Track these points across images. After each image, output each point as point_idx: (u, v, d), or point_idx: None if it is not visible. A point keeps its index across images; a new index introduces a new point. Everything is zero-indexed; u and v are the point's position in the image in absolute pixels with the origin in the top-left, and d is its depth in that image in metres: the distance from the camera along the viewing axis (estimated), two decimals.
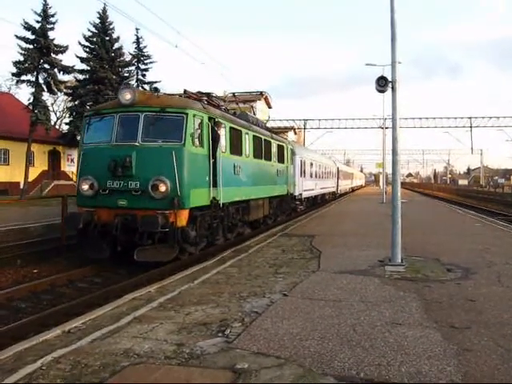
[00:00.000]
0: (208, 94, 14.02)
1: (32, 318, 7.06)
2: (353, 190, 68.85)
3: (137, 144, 10.60)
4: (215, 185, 11.99)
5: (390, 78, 9.61)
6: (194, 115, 11.09)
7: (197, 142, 11.13)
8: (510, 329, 5.49)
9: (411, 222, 16.81)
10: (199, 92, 13.92)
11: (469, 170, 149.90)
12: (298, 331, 5.44)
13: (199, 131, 11.29)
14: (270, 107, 66.36)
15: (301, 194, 25.24)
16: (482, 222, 19.67)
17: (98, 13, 40.16)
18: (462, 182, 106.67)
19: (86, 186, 10.82)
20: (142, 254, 10.21)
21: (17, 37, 35.55)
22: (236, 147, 14.01)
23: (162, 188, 10.26)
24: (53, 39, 36.65)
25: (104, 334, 5.36)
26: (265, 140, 17.56)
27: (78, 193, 11.11)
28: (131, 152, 10.45)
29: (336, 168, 45.52)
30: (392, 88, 9.63)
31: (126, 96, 10.90)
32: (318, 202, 33.22)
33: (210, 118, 11.82)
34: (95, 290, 9.40)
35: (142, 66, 43.68)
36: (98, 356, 4.68)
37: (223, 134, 12.70)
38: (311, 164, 29.62)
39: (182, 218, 10.48)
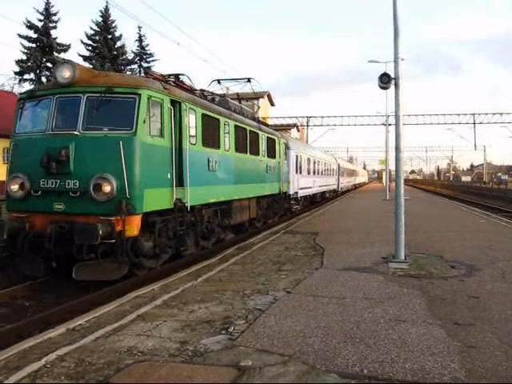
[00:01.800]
0: (177, 76, 12.03)
1: (36, 317, 7.08)
2: (355, 187, 67.74)
3: (76, 133, 8.60)
4: (182, 184, 10.05)
5: (392, 75, 9.59)
6: (150, 97, 9.01)
7: (154, 130, 9.15)
8: None
9: (415, 219, 16.79)
10: (172, 75, 11.98)
11: (472, 166, 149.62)
12: (302, 328, 5.44)
13: (158, 117, 9.30)
14: (272, 105, 66.35)
15: (296, 193, 23.19)
16: (486, 218, 19.62)
17: (101, 11, 40.26)
18: (465, 178, 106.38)
19: (15, 186, 8.89)
20: (82, 271, 8.38)
21: (19, 35, 35.69)
22: (211, 139, 11.83)
23: (107, 188, 8.30)
24: (55, 38, 36.77)
25: (108, 332, 5.38)
26: (251, 131, 15.37)
27: (6, 194, 9.17)
28: (69, 143, 8.49)
29: (337, 164, 43.90)
30: (395, 85, 9.60)
31: (65, 73, 8.87)
32: (317, 200, 31.52)
33: (173, 102, 9.79)
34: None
35: (145, 64, 43.80)
36: (102, 354, 4.70)
37: (193, 121, 10.63)
38: (308, 160, 27.65)
39: (133, 226, 8.50)
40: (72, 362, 4.50)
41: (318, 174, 31.50)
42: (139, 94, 8.82)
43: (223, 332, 5.36)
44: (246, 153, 14.78)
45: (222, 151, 12.52)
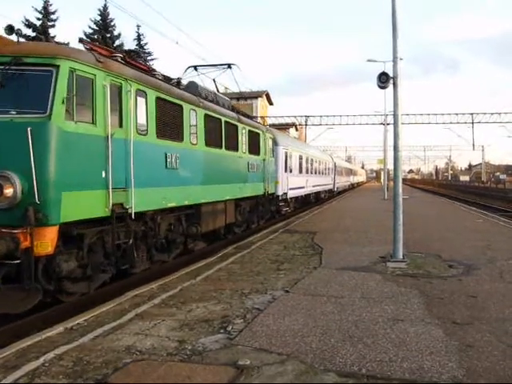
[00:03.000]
0: (129, 52, 9.45)
1: (34, 316, 7.07)
2: (353, 186, 66.56)
3: None
4: (125, 184, 7.97)
5: (391, 74, 9.60)
6: (74, 70, 6.94)
7: (81, 115, 7.09)
8: (511, 325, 5.49)
9: (413, 219, 16.80)
10: (122, 51, 10.24)
11: (470, 166, 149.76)
12: (300, 327, 5.44)
13: (87, 98, 7.26)
14: (271, 104, 66.34)
15: (286, 194, 21.15)
16: (484, 218, 19.65)
17: (99, 10, 40.20)
18: (464, 178, 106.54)
19: None
20: None
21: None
22: (171, 129, 9.81)
23: (8, 191, 6.27)
24: (54, 37, 36.71)
25: (106, 331, 5.38)
26: (227, 123, 13.17)
27: None
28: None
29: (333, 163, 42.00)
30: (393, 84, 9.61)
31: None
32: (310, 201, 29.60)
33: (112, 80, 7.77)
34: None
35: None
36: (100, 353, 4.70)
37: (143, 106, 8.69)
38: (300, 157, 25.58)
39: (45, 241, 6.45)
40: (70, 360, 4.50)
41: (312, 172, 29.58)
42: (57, 66, 6.76)
43: (221, 331, 5.36)
44: (221, 148, 12.65)
45: (186, 145, 10.39)
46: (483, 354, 4.59)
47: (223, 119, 12.92)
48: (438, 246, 11.46)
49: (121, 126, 7.99)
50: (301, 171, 25.49)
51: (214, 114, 12.26)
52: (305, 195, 26.96)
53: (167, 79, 11.19)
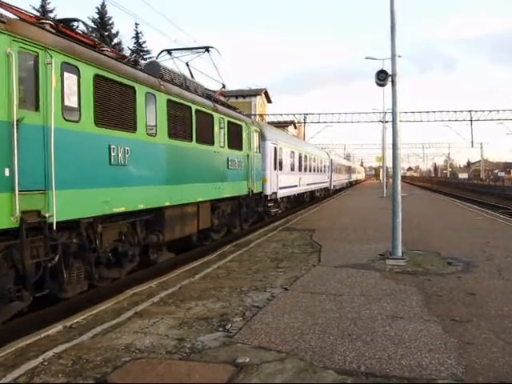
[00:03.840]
0: (68, 20, 8.21)
1: (33, 315, 7.06)
2: (351, 184, 65.20)
3: None
4: (42, 185, 6.27)
5: (389, 72, 9.59)
6: None
7: None
8: (510, 322, 5.50)
9: (412, 216, 16.81)
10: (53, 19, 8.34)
11: (469, 163, 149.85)
12: (299, 325, 5.45)
13: None
14: (269, 102, 66.33)
15: (275, 193, 19.41)
16: (483, 215, 19.67)
17: (97, 8, 40.14)
18: (462, 175, 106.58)
19: None
20: None
21: None
22: (117, 116, 8.05)
23: None
24: None
25: (105, 330, 5.37)
26: (199, 112, 11.31)
27: None
28: None
29: (329, 160, 40.19)
30: (392, 82, 9.61)
31: None
32: (304, 200, 27.86)
33: (23, 48, 6.06)
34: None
35: (142, 62, 43.65)
36: (99, 351, 4.70)
37: (73, 84, 6.95)
38: (293, 154, 23.83)
39: None
40: (69, 359, 4.50)
41: (306, 170, 27.76)
42: None
43: (220, 329, 5.36)
44: (191, 140, 10.82)
45: (140, 136, 8.64)
46: (482, 351, 4.60)
47: (194, 107, 11.04)
48: (436, 243, 11.47)
49: (37, 109, 6.21)
50: (293, 169, 23.80)
51: (180, 101, 10.37)
52: (297, 194, 25.23)
53: (122, 58, 9.38)
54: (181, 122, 10.47)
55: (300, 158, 25.85)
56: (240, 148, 14.70)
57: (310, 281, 7.67)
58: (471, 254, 9.91)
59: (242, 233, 15.00)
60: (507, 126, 57.23)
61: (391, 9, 9.60)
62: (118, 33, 41.19)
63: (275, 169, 19.48)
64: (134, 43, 43.87)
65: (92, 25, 39.89)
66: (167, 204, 9.65)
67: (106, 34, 40.22)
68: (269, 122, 43.44)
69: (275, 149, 19.71)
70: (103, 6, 39.90)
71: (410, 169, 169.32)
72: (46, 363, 4.41)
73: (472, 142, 59.57)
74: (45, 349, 4.77)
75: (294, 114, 53.80)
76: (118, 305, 6.47)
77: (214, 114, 12.54)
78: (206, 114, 11.96)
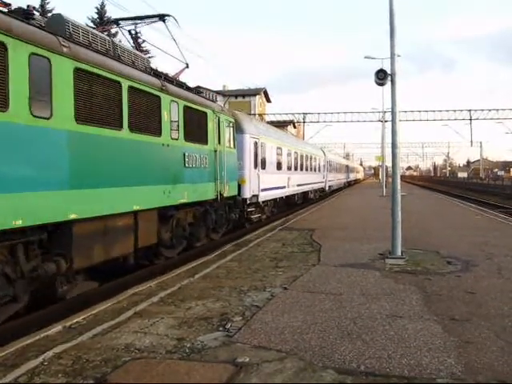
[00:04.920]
0: None
1: (33, 315, 7.07)
2: (349, 184, 62.98)
3: None
4: None
5: (389, 71, 9.60)
6: None
7: None
8: (510, 321, 5.51)
9: (411, 216, 16.81)
10: None
11: (468, 162, 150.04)
12: (299, 325, 5.45)
13: None
14: (269, 101, 66.35)
15: (256, 196, 16.63)
16: (482, 214, 19.67)
17: (96, 8, 40.10)
18: (462, 174, 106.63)
19: None
20: None
21: None
22: None
23: None
24: None
25: (105, 329, 5.37)
26: (135, 90, 8.66)
27: None
28: None
29: (325, 158, 37.38)
30: (391, 81, 9.61)
31: None
32: (295, 202, 25.43)
33: None
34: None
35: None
36: (99, 351, 4.70)
37: None
38: (279, 150, 21.15)
39: None
40: (69, 359, 4.50)
41: (297, 169, 25.17)
42: None
43: (220, 329, 5.36)
44: (119, 128, 8.14)
45: (16, 119, 5.97)
46: (482, 351, 4.60)
47: (126, 83, 8.38)
48: (436, 242, 11.47)
49: None
50: (280, 167, 21.17)
51: (101, 72, 7.67)
52: (286, 196, 22.50)
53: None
54: (101, 102, 7.68)
55: (289, 155, 23.27)
56: (204, 141, 11.92)
57: (310, 280, 7.67)
58: (471, 253, 9.92)
59: (241, 232, 14.97)
60: (507, 125, 57.32)
61: (390, 8, 9.60)
62: (117, 33, 41.16)
63: (256, 167, 16.83)
64: (133, 43, 43.88)
65: (92, 25, 39.85)
66: (75, 217, 6.97)
67: (106, 33, 40.24)
68: (268, 122, 43.42)
69: (256, 144, 16.97)
70: (102, 5, 39.90)
71: (409, 168, 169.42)
72: (45, 363, 4.41)
73: (471, 141, 59.74)
74: (45, 349, 4.77)
75: (293, 114, 53.89)
76: (117, 305, 6.47)
77: (162, 95, 9.75)
78: (148, 95, 9.26)
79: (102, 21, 39.97)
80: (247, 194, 15.70)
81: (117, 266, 8.83)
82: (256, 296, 6.75)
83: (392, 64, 9.67)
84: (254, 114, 51.32)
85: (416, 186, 70.61)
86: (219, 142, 12.91)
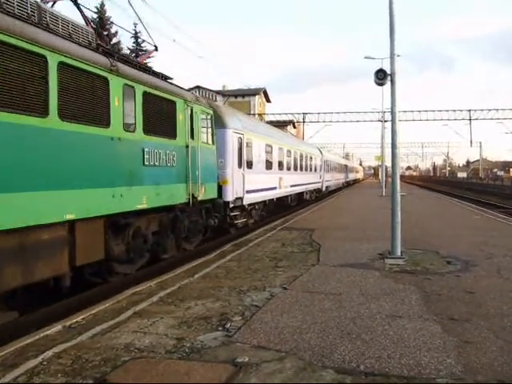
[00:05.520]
0: None
1: (32, 315, 7.07)
2: (348, 184, 61.46)
3: None
4: None
5: (388, 71, 9.60)
6: None
7: None
8: (509, 321, 5.51)
9: (411, 216, 16.82)
10: None
11: (468, 162, 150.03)
12: (298, 324, 5.45)
13: None
14: (268, 101, 66.35)
15: (241, 199, 14.94)
16: (482, 214, 19.68)
17: (96, 7, 40.06)
18: (462, 174, 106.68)
19: None
20: None
21: None
22: None
23: None
24: None
25: (104, 329, 5.37)
26: (68, 68, 6.98)
27: None
28: None
29: (321, 158, 35.80)
30: (391, 81, 9.61)
31: None
32: (288, 204, 23.82)
33: None
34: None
35: None
36: (98, 351, 4.70)
37: None
38: (269, 148, 19.32)
39: None
40: (69, 359, 4.50)
41: (290, 168, 23.59)
42: None
43: (220, 328, 5.36)
44: (43, 115, 6.47)
45: None
46: (481, 350, 4.61)
47: (56, 59, 6.69)
48: (435, 242, 11.48)
49: None
50: (270, 167, 19.35)
51: (13, 41, 5.93)
52: (278, 198, 20.72)
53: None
54: (15, 80, 6.00)
55: (281, 153, 21.62)
56: (171, 135, 10.14)
57: (310, 280, 7.67)
58: (470, 253, 9.92)
59: (241, 232, 14.96)
60: (506, 125, 57.33)
61: (390, 8, 9.60)
62: (116, 32, 41.16)
63: (240, 166, 15.06)
64: (133, 43, 43.86)
65: (92, 25, 39.89)
66: None
67: (105, 33, 40.17)
68: (268, 122, 43.43)
69: (240, 140, 15.21)
70: (102, 5, 39.89)
71: (409, 168, 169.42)
72: (45, 363, 4.41)
73: (471, 141, 59.74)
74: (44, 348, 4.76)
75: (293, 114, 53.92)
76: (117, 304, 6.47)
77: (112, 77, 8.02)
78: (90, 76, 7.52)
79: (102, 20, 40.02)
80: (229, 196, 14.04)
81: (50, 288, 7.10)
82: (255, 296, 6.75)
83: (392, 64, 9.67)
84: (254, 114, 51.35)
85: (416, 186, 70.62)
86: (192, 137, 11.08)
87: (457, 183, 73.24)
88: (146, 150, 9.00)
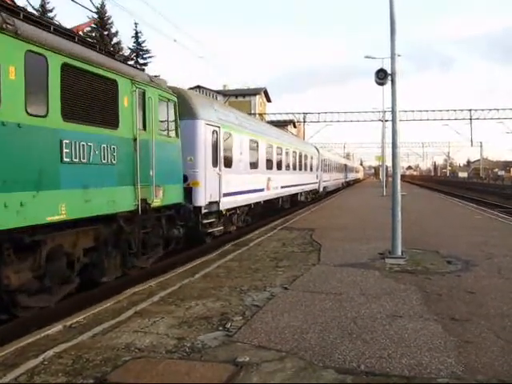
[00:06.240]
0: None
1: (33, 315, 7.06)
2: (348, 184, 59.91)
3: None
4: None
5: (389, 71, 9.60)
6: None
7: None
8: (510, 321, 5.51)
9: (411, 215, 16.80)
10: None
11: (469, 162, 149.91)
12: (299, 324, 5.45)
13: None
14: (269, 101, 66.35)
15: (216, 203, 12.78)
16: (482, 214, 19.67)
17: (97, 7, 40.08)
18: (462, 174, 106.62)
19: None
20: None
21: None
22: None
23: None
24: None
25: (105, 329, 5.37)
26: None
27: None
28: None
29: (318, 156, 33.46)
30: (391, 80, 9.60)
31: None
32: (279, 207, 21.71)
33: None
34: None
35: (141, 61, 43.75)
36: (99, 350, 4.70)
37: None
38: (254, 144, 16.97)
39: None
40: (69, 358, 4.50)
41: (280, 168, 21.28)
42: None
43: (220, 328, 5.36)
44: None
45: None
46: (482, 350, 4.60)
47: None
48: (436, 242, 11.47)
49: None
50: (255, 166, 17.03)
51: None
52: (265, 201, 18.29)
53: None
54: None
55: (270, 151, 19.23)
56: (110, 124, 7.97)
57: (310, 280, 7.67)
58: (470, 253, 9.92)
59: (241, 232, 14.95)
60: (507, 124, 57.29)
61: (390, 8, 9.60)
62: (117, 32, 41.23)
63: (216, 165, 12.83)
64: (134, 43, 43.93)
65: (92, 25, 39.86)
66: None
67: (106, 33, 40.20)
68: (268, 121, 43.42)
69: (216, 134, 12.91)
70: (103, 5, 39.90)
71: (409, 168, 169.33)
72: (46, 362, 4.41)
73: (472, 141, 59.72)
74: (45, 348, 4.77)
75: (293, 114, 53.92)
76: (117, 304, 6.47)
77: (5, 39, 5.78)
78: None
79: (102, 20, 40.02)
80: (201, 200, 11.84)
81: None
82: (256, 296, 6.75)
83: (392, 63, 9.67)
84: (255, 114, 51.33)
85: (416, 185, 70.59)
86: (144, 128, 8.95)
87: (457, 183, 73.19)
88: (66, 141, 6.77)
